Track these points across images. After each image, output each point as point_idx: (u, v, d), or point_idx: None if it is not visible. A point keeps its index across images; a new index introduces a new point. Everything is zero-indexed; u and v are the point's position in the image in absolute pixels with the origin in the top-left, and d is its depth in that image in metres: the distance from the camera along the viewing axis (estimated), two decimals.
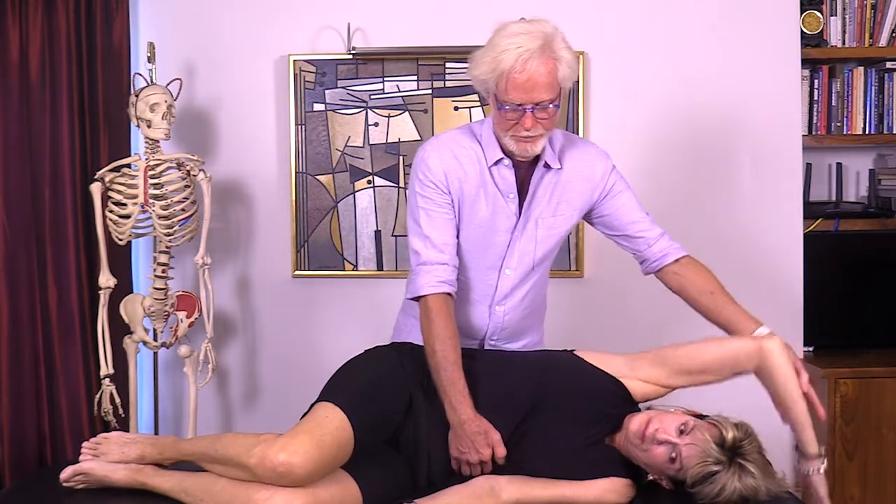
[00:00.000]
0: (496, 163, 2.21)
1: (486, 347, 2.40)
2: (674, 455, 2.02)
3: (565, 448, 2.11)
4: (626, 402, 2.16)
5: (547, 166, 2.23)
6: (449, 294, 2.19)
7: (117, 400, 3.00)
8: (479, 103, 3.27)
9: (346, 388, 2.11)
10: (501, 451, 2.07)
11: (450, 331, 2.14)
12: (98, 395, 3.01)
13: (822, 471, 2.06)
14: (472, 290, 2.31)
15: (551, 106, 2.09)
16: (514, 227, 2.25)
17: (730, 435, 1.99)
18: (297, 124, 3.30)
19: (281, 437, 1.97)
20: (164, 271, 2.99)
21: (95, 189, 2.96)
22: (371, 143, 3.31)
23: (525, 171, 2.23)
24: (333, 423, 2.00)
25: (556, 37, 2.07)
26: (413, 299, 2.23)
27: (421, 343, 2.19)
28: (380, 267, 3.33)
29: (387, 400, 2.12)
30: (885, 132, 3.31)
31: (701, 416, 2.10)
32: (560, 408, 2.14)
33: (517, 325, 2.38)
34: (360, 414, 2.03)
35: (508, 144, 2.16)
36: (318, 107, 3.30)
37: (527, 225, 2.26)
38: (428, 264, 2.20)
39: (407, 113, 3.30)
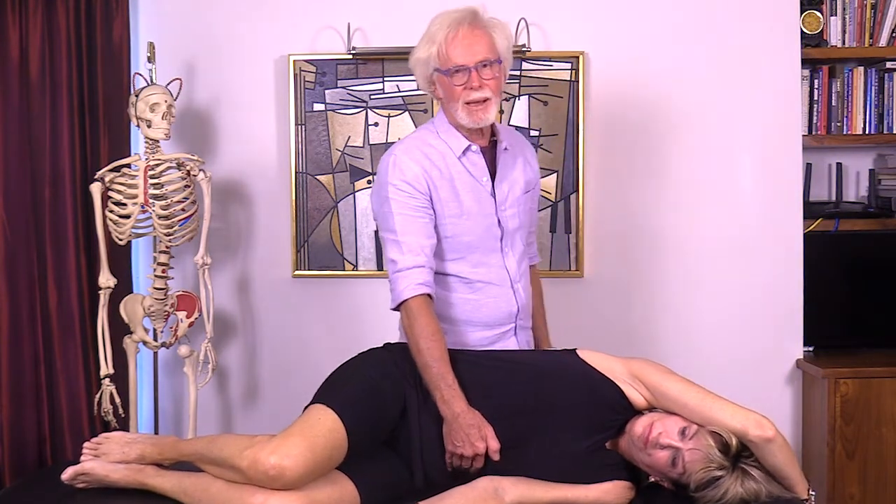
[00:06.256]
0: (464, 151, 2.28)
1: (516, 334, 2.41)
2: (676, 459, 2.02)
3: (567, 453, 2.11)
4: (626, 409, 2.16)
5: (505, 149, 2.34)
6: (429, 295, 2.22)
7: (117, 400, 3.00)
8: None
9: (339, 390, 2.11)
10: (494, 445, 2.08)
11: (433, 328, 2.16)
12: (98, 395, 3.01)
13: None
14: (490, 278, 2.34)
15: (495, 63, 2.20)
16: (496, 208, 2.32)
17: (734, 441, 1.97)
18: (297, 124, 3.30)
19: (273, 439, 1.96)
20: (164, 271, 2.99)
21: (95, 189, 2.96)
22: (371, 143, 3.31)
23: (488, 155, 2.34)
24: (326, 426, 1.99)
25: (479, 11, 2.24)
26: (395, 309, 2.26)
27: None
28: (380, 267, 3.33)
29: (381, 401, 2.12)
30: (885, 132, 3.30)
31: None
32: (563, 414, 2.14)
33: (528, 300, 2.45)
34: (353, 416, 2.02)
35: (462, 118, 2.23)
36: (318, 107, 3.30)
37: (505, 203, 2.33)
38: (404, 270, 2.22)
39: (407, 113, 3.30)
